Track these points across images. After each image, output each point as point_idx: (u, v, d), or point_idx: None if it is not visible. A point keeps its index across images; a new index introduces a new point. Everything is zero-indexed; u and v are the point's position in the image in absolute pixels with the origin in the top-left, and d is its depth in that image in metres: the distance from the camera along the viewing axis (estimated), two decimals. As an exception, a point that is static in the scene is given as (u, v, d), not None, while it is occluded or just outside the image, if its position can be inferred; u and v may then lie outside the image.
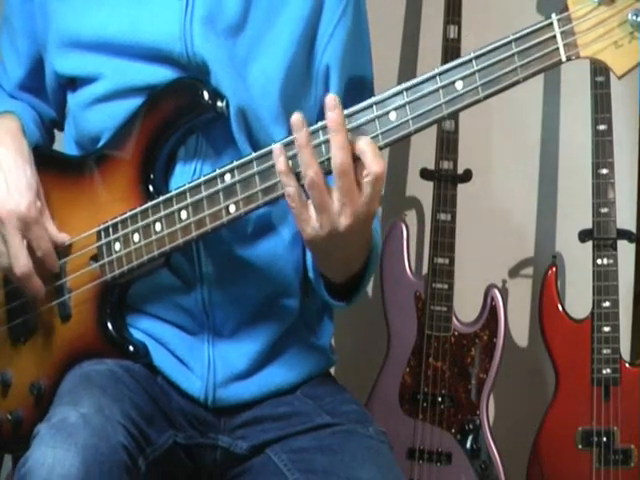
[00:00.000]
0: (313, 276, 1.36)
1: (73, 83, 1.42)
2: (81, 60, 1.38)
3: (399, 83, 2.39)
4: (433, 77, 1.15)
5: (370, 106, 1.18)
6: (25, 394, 1.40)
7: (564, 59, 1.11)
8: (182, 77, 1.33)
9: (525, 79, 1.13)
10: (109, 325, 1.36)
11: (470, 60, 1.14)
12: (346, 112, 1.17)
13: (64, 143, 1.50)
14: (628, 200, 2.33)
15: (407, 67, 2.43)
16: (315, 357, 1.47)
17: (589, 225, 2.13)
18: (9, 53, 1.50)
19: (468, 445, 2.17)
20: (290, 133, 1.37)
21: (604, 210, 2.12)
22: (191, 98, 1.31)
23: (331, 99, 1.15)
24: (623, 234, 2.15)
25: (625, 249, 2.21)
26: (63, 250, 1.38)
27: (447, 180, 2.19)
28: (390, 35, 2.41)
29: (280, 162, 1.18)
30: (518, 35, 1.12)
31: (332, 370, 1.54)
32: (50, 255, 1.36)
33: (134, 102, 1.35)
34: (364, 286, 1.34)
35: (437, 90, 1.15)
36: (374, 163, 1.15)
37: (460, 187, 2.20)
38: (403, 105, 1.16)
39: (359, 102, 1.24)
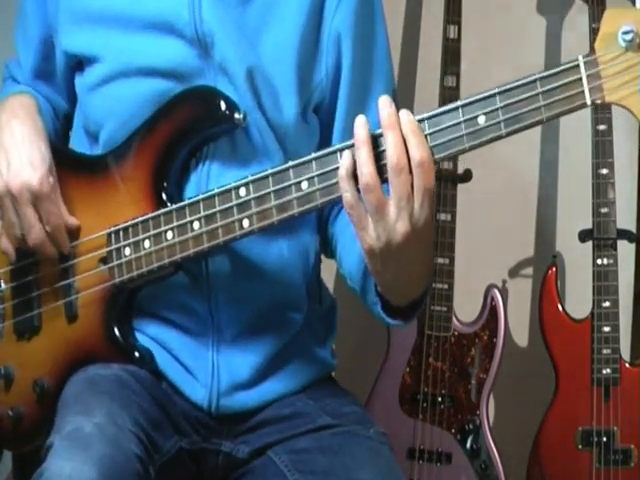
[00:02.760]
0: (371, 299, 1.32)
1: (80, 66, 1.41)
2: (87, 37, 1.37)
3: (399, 83, 2.39)
4: (455, 109, 1.14)
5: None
6: (28, 391, 1.40)
7: (589, 103, 1.10)
8: (201, 85, 1.33)
9: (548, 119, 1.12)
10: (116, 330, 1.35)
11: (493, 95, 1.13)
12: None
13: (73, 131, 1.50)
14: (628, 200, 2.33)
15: (407, 67, 2.43)
16: (317, 365, 1.47)
17: (589, 225, 2.13)
18: (22, 44, 1.51)
19: (468, 445, 2.17)
20: (303, 108, 1.35)
21: (604, 210, 2.12)
22: (207, 109, 1.30)
23: (384, 98, 1.15)
24: (623, 234, 2.15)
25: (625, 249, 2.21)
26: (73, 249, 1.37)
27: (447, 180, 2.19)
28: (390, 35, 2.40)
29: (344, 165, 1.15)
30: (543, 74, 1.11)
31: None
32: (60, 231, 1.35)
33: (138, 84, 1.34)
34: (420, 308, 1.30)
35: (459, 123, 1.14)
36: (417, 149, 1.12)
37: (460, 187, 2.20)
38: (425, 136, 1.14)
39: (373, 79, 1.29)
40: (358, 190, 1.14)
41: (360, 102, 1.40)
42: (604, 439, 2.10)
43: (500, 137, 1.14)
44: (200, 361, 1.38)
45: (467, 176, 2.21)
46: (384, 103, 1.14)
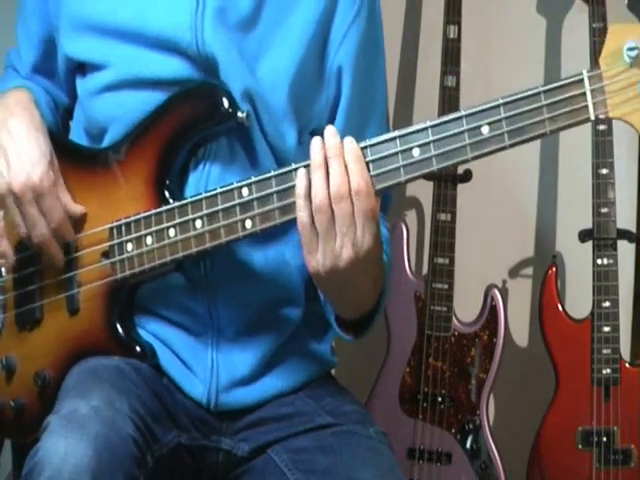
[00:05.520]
0: (328, 310, 1.37)
1: (82, 69, 1.42)
2: (91, 45, 1.38)
3: (399, 83, 2.40)
4: (459, 118, 1.15)
5: (393, 139, 1.18)
6: (29, 383, 1.40)
7: (592, 117, 1.11)
8: (204, 82, 1.33)
9: (552, 132, 1.13)
10: (117, 325, 1.36)
11: (498, 106, 1.14)
12: (369, 142, 1.19)
13: (72, 129, 1.50)
14: (628, 200, 2.34)
15: (407, 67, 2.43)
16: (317, 361, 1.47)
17: (589, 225, 2.13)
18: (23, 37, 1.51)
19: (468, 445, 2.17)
20: (300, 132, 1.36)
21: (604, 210, 2.12)
22: (211, 105, 1.30)
23: (330, 129, 1.19)
24: (623, 234, 2.15)
25: (625, 249, 2.21)
26: (75, 242, 1.37)
27: (447, 180, 2.19)
28: (390, 35, 2.40)
29: (300, 185, 1.19)
30: (547, 87, 1.12)
31: (332, 370, 1.54)
32: (63, 226, 1.35)
33: (142, 93, 1.35)
34: (373, 325, 1.34)
35: (463, 132, 1.15)
36: (355, 177, 1.16)
37: (460, 187, 2.20)
38: (427, 143, 1.16)
39: (369, 115, 1.31)
40: (312, 211, 1.18)
41: (354, 132, 1.41)
42: (604, 439, 2.10)
43: (504, 148, 1.15)
44: (199, 358, 1.38)
45: (467, 176, 2.21)
46: (329, 133, 1.19)
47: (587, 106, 1.11)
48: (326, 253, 1.18)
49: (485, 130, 1.14)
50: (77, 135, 1.47)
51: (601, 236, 2.12)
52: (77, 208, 1.37)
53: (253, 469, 1.38)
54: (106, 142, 1.40)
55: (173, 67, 1.34)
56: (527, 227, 2.43)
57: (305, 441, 1.36)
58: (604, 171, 2.11)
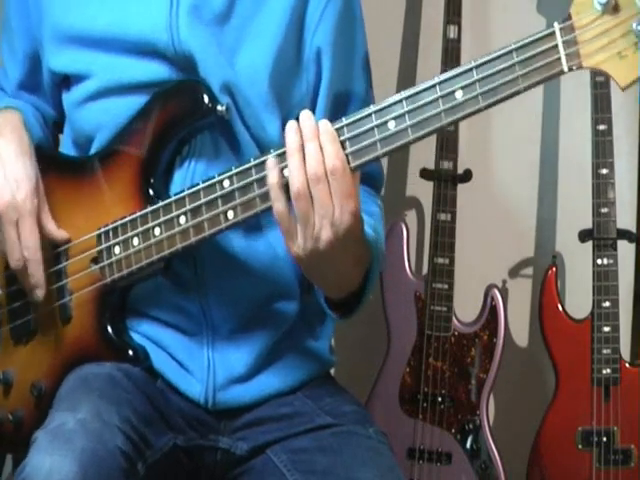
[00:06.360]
0: (318, 292, 1.36)
1: (66, 82, 1.42)
2: (73, 57, 1.38)
3: (399, 83, 2.39)
4: (433, 86, 1.14)
5: (369, 115, 1.17)
6: (26, 394, 1.40)
7: (566, 69, 1.09)
8: (183, 80, 1.34)
9: (526, 89, 1.11)
10: (109, 329, 1.36)
11: (470, 69, 1.13)
12: (345, 121, 1.18)
13: (62, 143, 1.51)
14: (628, 200, 2.33)
15: (407, 67, 2.43)
16: (315, 359, 1.47)
17: (589, 225, 2.14)
18: (8, 55, 1.51)
19: (468, 445, 2.17)
20: (283, 121, 1.36)
21: (604, 210, 2.12)
22: (191, 102, 1.31)
23: (305, 112, 1.19)
24: (623, 234, 2.15)
25: (625, 249, 2.21)
26: (64, 251, 1.38)
27: (447, 180, 2.19)
28: (390, 35, 2.41)
29: (272, 175, 1.19)
30: (519, 44, 1.10)
31: (332, 370, 1.54)
32: (35, 254, 1.34)
33: (126, 99, 1.36)
34: (362, 304, 1.33)
35: (437, 99, 1.14)
36: (330, 158, 1.16)
37: (460, 187, 2.20)
38: (402, 114, 1.15)
39: (356, 87, 1.29)
40: (287, 199, 1.17)
41: (336, 114, 1.41)
42: (604, 439, 2.10)
43: (479, 110, 1.13)
44: (195, 358, 1.39)
45: (467, 176, 2.21)
46: (305, 116, 1.19)
47: (560, 58, 1.08)
48: (306, 237, 1.18)
49: (459, 95, 1.13)
50: (66, 148, 1.47)
51: (601, 236, 2.12)
52: (61, 234, 1.38)
53: (252, 469, 1.38)
54: (93, 150, 1.40)
55: (153, 70, 1.34)
56: (527, 227, 2.43)
57: (304, 441, 1.36)
58: (604, 171, 2.11)
